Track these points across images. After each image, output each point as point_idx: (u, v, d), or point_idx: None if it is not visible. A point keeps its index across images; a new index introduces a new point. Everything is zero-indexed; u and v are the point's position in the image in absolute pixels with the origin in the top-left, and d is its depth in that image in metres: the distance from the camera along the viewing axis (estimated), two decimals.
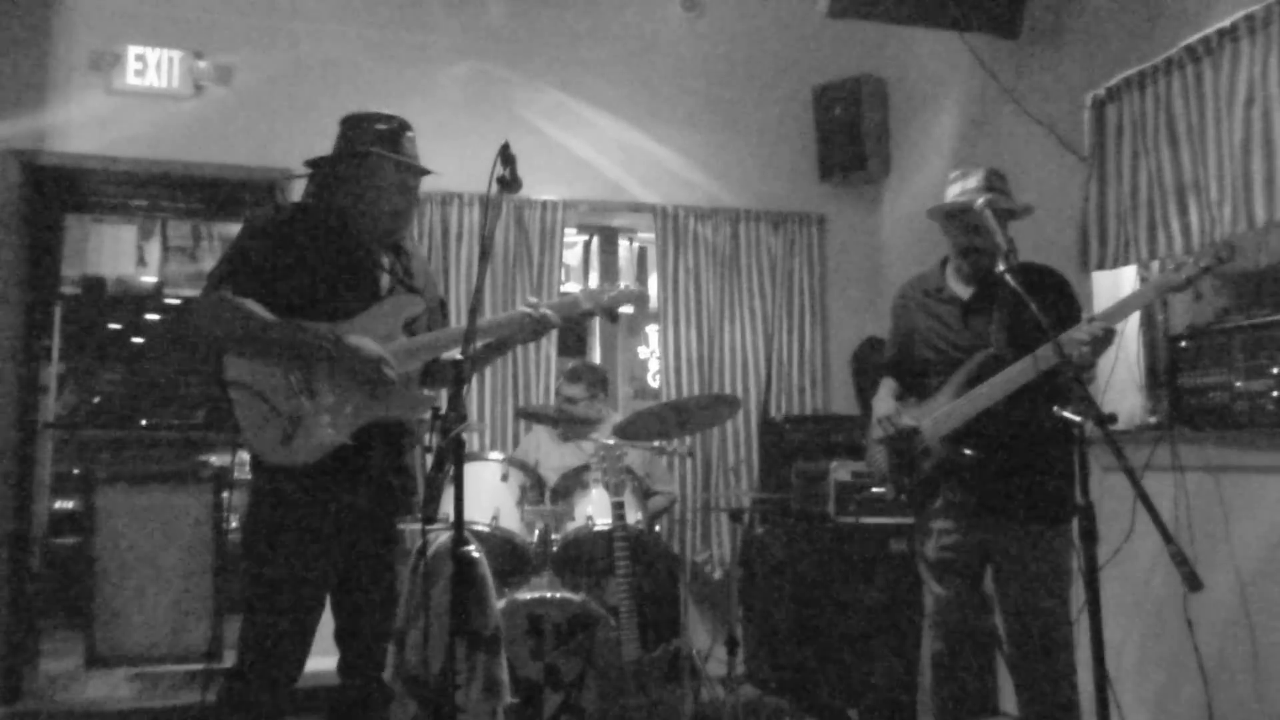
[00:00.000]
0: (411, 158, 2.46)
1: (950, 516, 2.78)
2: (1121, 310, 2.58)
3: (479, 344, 2.50)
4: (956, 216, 2.79)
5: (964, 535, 2.76)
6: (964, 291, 2.86)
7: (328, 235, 2.39)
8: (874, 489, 4.00)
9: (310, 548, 2.28)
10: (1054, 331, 2.34)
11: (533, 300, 2.54)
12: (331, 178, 2.45)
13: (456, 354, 2.50)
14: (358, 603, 2.41)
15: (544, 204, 4.81)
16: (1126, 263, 3.48)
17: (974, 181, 2.81)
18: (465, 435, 2.24)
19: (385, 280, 2.45)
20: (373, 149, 2.38)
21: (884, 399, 2.99)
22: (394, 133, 2.42)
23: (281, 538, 2.27)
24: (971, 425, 2.68)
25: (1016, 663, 2.72)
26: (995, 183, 2.82)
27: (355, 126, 2.44)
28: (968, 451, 2.68)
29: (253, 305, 2.25)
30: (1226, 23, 3.05)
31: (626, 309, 2.68)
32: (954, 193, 2.83)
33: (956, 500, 2.76)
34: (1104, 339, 2.51)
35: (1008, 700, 3.65)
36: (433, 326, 2.54)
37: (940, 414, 2.73)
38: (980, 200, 2.60)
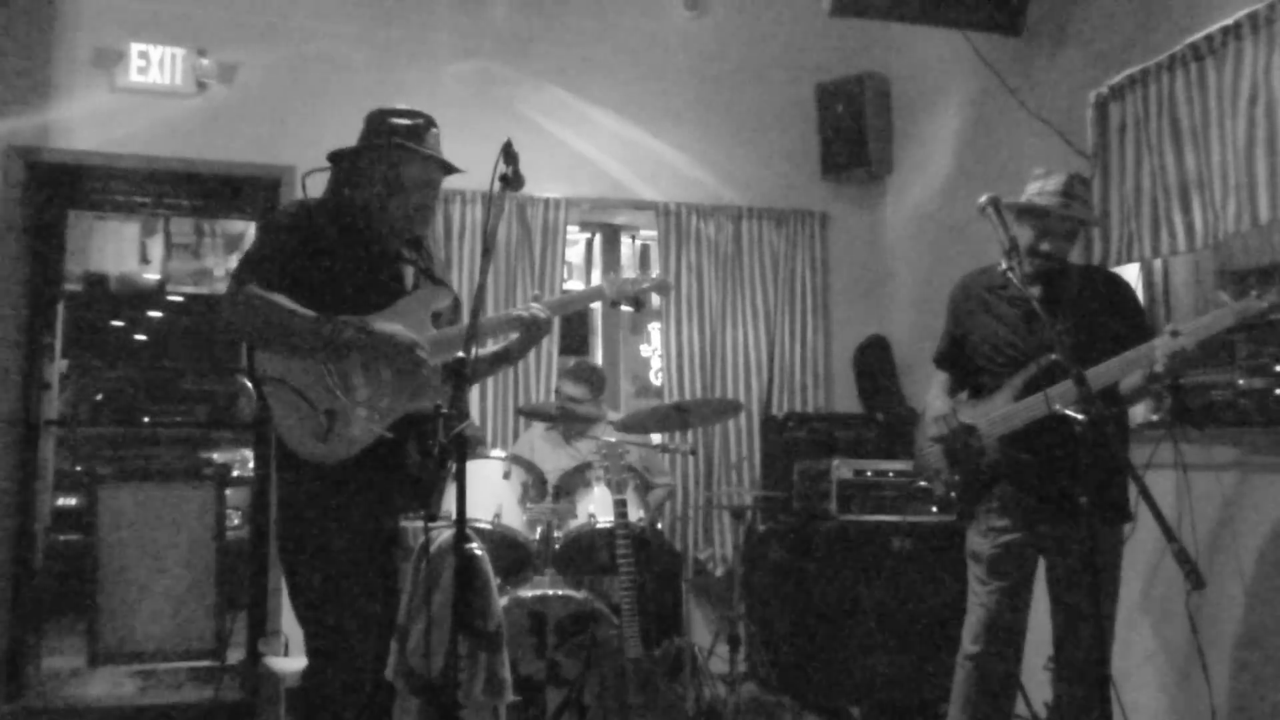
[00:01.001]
0: (434, 144, 2.45)
1: (1007, 514, 2.74)
2: (1199, 330, 2.48)
3: (484, 352, 2.51)
4: (1029, 214, 2.75)
5: (1021, 533, 2.72)
6: (1029, 291, 2.70)
7: (352, 230, 2.38)
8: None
9: (357, 542, 2.28)
10: (1126, 342, 2.35)
11: (536, 295, 2.59)
12: (354, 172, 2.42)
13: (484, 350, 2.54)
14: (392, 602, 2.45)
15: (546, 201, 4.81)
16: (1129, 260, 3.47)
17: (1054, 184, 2.75)
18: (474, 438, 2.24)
19: (410, 274, 2.44)
20: (396, 142, 2.37)
21: (938, 396, 2.96)
22: (418, 128, 2.41)
23: (326, 539, 2.26)
24: (1029, 428, 2.64)
25: (1061, 662, 2.70)
26: (1078, 190, 2.77)
27: (379, 121, 2.43)
28: (1023, 456, 2.65)
29: (280, 299, 2.23)
30: (1230, 20, 3.04)
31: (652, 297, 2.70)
32: (1033, 190, 2.79)
33: (1014, 498, 2.73)
34: (1187, 356, 2.43)
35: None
36: (453, 321, 2.55)
37: (998, 415, 2.70)
38: (983, 198, 2.58)
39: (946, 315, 3.04)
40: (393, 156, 2.37)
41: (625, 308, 2.75)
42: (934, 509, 3.90)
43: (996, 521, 2.76)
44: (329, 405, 2.22)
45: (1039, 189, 2.77)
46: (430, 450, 2.39)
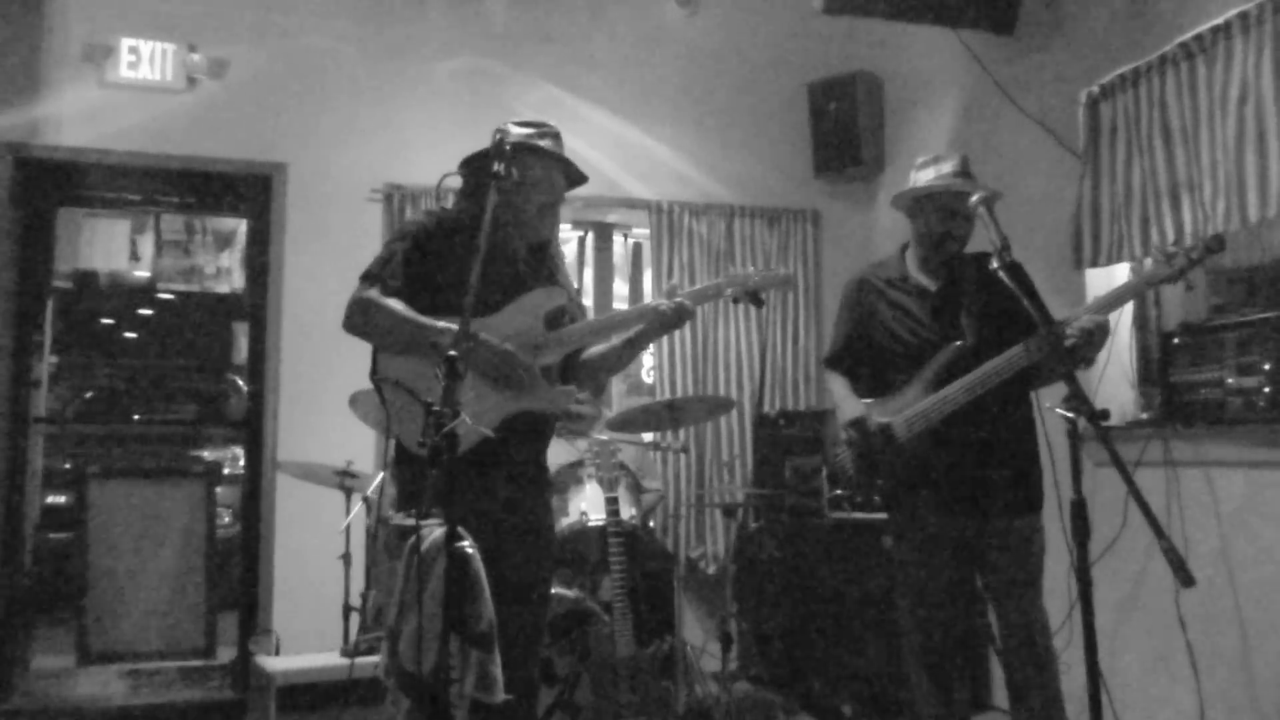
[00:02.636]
0: (558, 157, 2.50)
1: (928, 513, 2.70)
2: (1112, 301, 2.55)
3: (618, 341, 2.53)
4: (931, 201, 2.73)
5: (940, 531, 2.69)
6: (929, 281, 2.77)
7: (475, 233, 2.36)
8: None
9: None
10: (1042, 323, 2.26)
11: (673, 286, 2.52)
12: (479, 176, 2.43)
13: (600, 347, 2.57)
14: (502, 597, 2.37)
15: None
16: (1120, 260, 3.49)
17: (949, 167, 2.75)
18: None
19: (530, 276, 2.49)
20: (516, 143, 2.40)
21: (847, 398, 2.84)
22: (541, 134, 2.48)
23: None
24: (945, 421, 2.60)
25: (1009, 668, 2.69)
26: (969, 169, 2.77)
27: (504, 129, 2.48)
28: (939, 450, 2.62)
29: (393, 304, 2.32)
30: (1220, 20, 3.06)
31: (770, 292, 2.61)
32: (927, 177, 2.76)
33: (932, 497, 2.68)
34: (1098, 333, 2.46)
35: (1000, 695, 3.66)
36: (572, 320, 2.57)
37: (912, 412, 2.64)
38: (976, 196, 2.56)
39: (840, 313, 2.97)
40: (517, 161, 2.38)
41: (744, 303, 2.61)
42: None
43: (922, 524, 2.71)
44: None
45: (935, 174, 2.76)
46: (541, 449, 2.52)
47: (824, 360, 3.04)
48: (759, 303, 2.59)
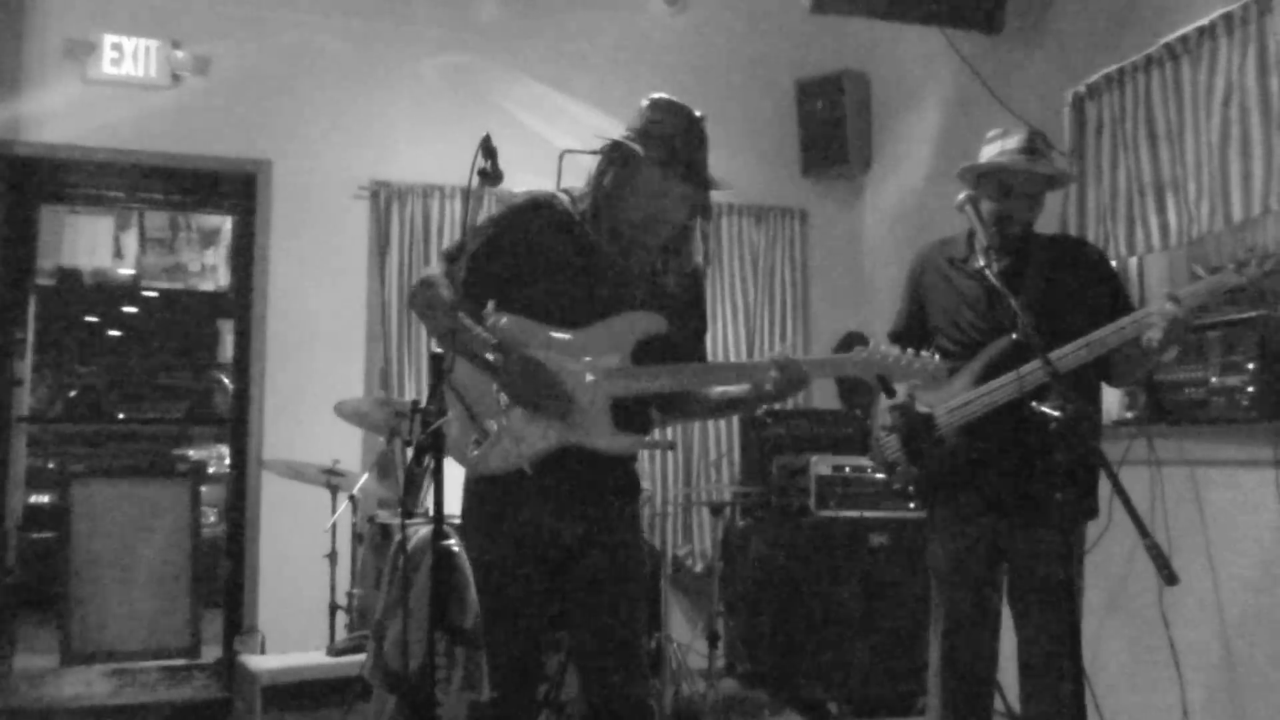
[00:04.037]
0: (684, 162, 2.17)
1: (960, 518, 2.54)
2: (1197, 294, 2.29)
3: (717, 394, 2.19)
4: (990, 178, 2.52)
5: (973, 535, 2.51)
6: (992, 265, 2.46)
7: (578, 232, 2.16)
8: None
9: (517, 554, 2.12)
10: (1103, 313, 2.12)
11: (784, 353, 2.11)
12: (608, 162, 2.19)
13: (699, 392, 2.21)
14: (594, 626, 2.15)
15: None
16: None
17: (1014, 142, 2.52)
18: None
19: (634, 293, 2.16)
20: (631, 145, 2.14)
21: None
22: (669, 135, 2.17)
23: (487, 555, 2.16)
24: (985, 417, 2.42)
25: (1027, 680, 2.49)
26: (1039, 144, 2.53)
27: (642, 111, 2.21)
28: (981, 444, 2.44)
29: (442, 291, 2.07)
30: (1205, 21, 3.07)
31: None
32: (991, 152, 2.57)
33: (966, 496, 2.52)
34: (1179, 324, 2.21)
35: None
36: (681, 356, 2.19)
37: (956, 403, 2.47)
38: (961, 196, 2.55)
39: (904, 289, 2.78)
40: (631, 161, 2.14)
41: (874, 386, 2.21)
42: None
43: (955, 525, 2.55)
44: (488, 422, 2.08)
45: (999, 149, 2.54)
46: (612, 480, 2.17)
47: (887, 336, 2.75)
48: (889, 390, 2.18)
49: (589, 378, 2.09)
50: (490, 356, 2.03)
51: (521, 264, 2.13)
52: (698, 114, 2.26)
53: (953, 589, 2.56)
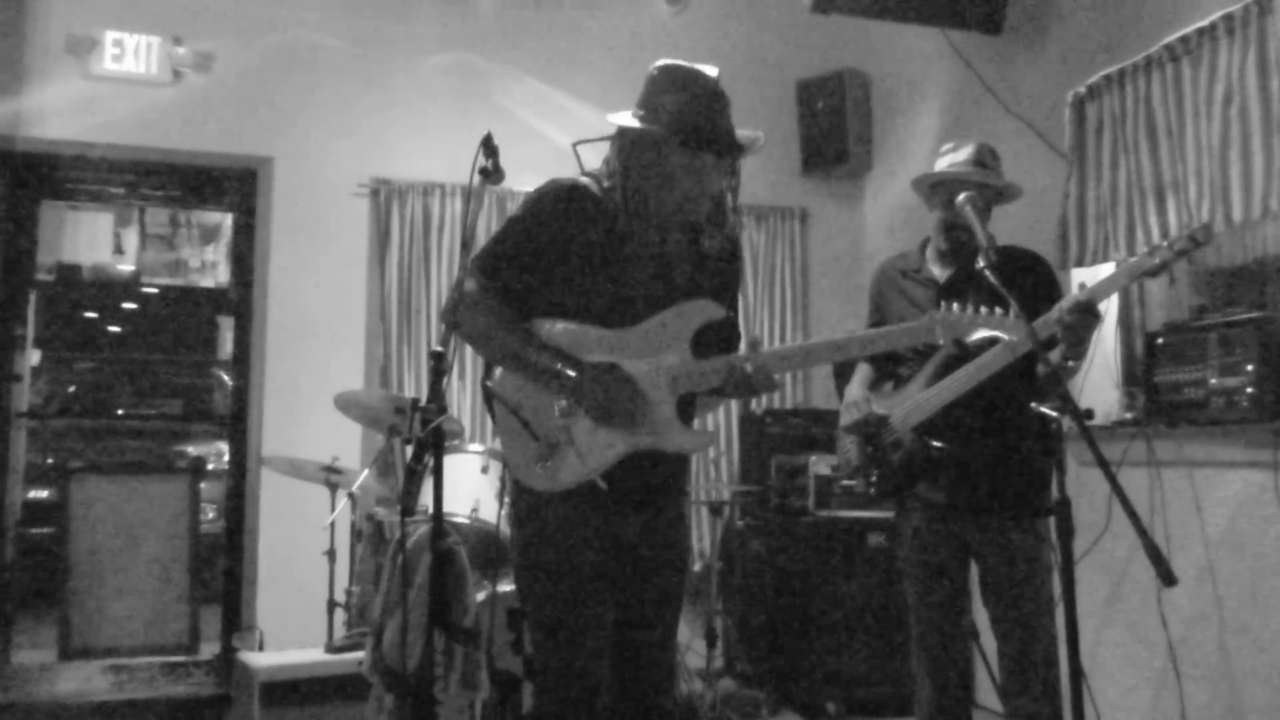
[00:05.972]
0: (708, 134, 2.02)
1: (924, 515, 2.64)
2: (1095, 293, 2.41)
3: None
4: (941, 188, 2.67)
5: (939, 535, 2.62)
6: (941, 274, 2.71)
7: (614, 221, 2.05)
8: (843, 481, 3.92)
9: (583, 564, 2.04)
10: (1026, 315, 2.17)
11: (754, 340, 2.07)
12: (621, 149, 2.08)
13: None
14: (635, 620, 2.10)
15: (527, 195, 4.78)
16: (1105, 260, 3.50)
17: (964, 155, 2.68)
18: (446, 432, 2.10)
19: (676, 278, 2.10)
20: (650, 128, 2.01)
21: (855, 386, 2.81)
22: (687, 103, 2.02)
23: (552, 572, 2.05)
24: (942, 417, 2.54)
25: (1004, 673, 2.58)
26: (986, 158, 2.68)
27: (651, 86, 2.06)
28: (937, 445, 2.56)
29: (492, 316, 2.01)
30: (1205, 22, 3.07)
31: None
32: (942, 164, 2.71)
33: (927, 497, 2.62)
34: (1080, 318, 2.32)
35: (986, 693, 3.68)
36: (726, 341, 2.14)
37: (911, 404, 2.59)
38: (961, 196, 2.56)
39: (868, 302, 2.92)
40: (650, 136, 2.01)
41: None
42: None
43: (916, 522, 2.65)
44: (549, 436, 2.01)
45: (949, 161, 2.70)
46: (675, 468, 2.13)
47: None
48: (966, 351, 2.29)
49: (661, 376, 2.02)
50: (571, 372, 1.95)
51: (560, 262, 2.04)
52: (712, 74, 2.10)
53: (923, 590, 2.66)
